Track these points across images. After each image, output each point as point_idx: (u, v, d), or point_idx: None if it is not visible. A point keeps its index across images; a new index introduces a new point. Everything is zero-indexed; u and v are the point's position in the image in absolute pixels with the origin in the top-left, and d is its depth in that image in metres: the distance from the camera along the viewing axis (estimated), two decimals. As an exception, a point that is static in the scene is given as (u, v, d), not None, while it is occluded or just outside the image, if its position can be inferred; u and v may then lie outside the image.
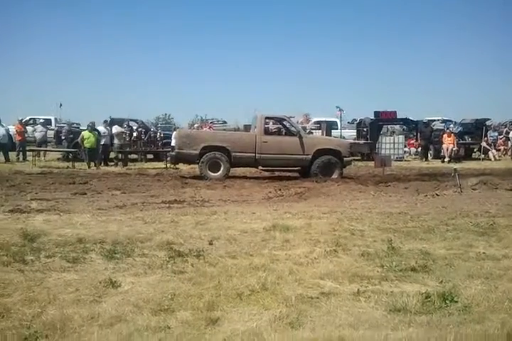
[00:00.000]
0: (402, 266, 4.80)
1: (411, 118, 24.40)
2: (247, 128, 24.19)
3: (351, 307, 3.74)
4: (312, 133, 22.17)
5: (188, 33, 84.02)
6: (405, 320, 3.46)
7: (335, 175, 13.48)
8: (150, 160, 20.87)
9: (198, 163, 13.29)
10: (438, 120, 26.24)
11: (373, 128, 22.63)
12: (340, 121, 24.76)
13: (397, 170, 17.01)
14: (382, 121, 23.18)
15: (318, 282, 4.34)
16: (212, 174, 13.18)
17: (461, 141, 22.26)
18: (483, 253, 5.34)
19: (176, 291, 4.06)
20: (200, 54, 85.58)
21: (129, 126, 21.14)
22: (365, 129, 23.53)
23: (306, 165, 13.38)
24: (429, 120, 26.05)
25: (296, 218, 7.30)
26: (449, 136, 21.11)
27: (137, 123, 22.87)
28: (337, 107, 23.74)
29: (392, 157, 19.57)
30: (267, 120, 14.34)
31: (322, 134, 20.72)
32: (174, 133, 19.82)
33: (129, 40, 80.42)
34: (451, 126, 23.89)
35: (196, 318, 3.51)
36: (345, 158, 13.87)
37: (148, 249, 5.42)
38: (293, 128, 14.25)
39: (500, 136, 24.24)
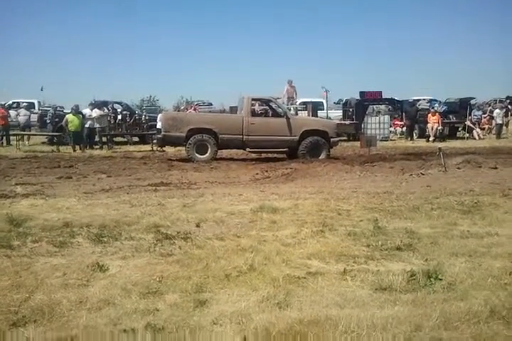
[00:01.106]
0: (388, 245, 4.86)
1: (396, 98, 24.47)
2: (232, 109, 24.06)
3: (338, 286, 3.79)
4: (298, 113, 22.16)
5: (171, 13, 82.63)
6: (391, 298, 3.52)
7: (322, 156, 13.53)
8: (136, 143, 20.74)
9: (184, 146, 13.25)
10: (423, 99, 26.27)
11: (359, 108, 22.67)
12: (326, 101, 24.70)
13: (383, 149, 17.10)
14: (367, 101, 23.22)
15: (305, 262, 4.38)
16: (200, 156, 13.15)
17: (446, 120, 22.35)
18: (467, 231, 5.41)
19: (164, 274, 4.07)
20: (184, 35, 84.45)
21: (113, 108, 20.91)
22: (350, 110, 23.56)
23: (294, 147, 13.38)
24: (414, 100, 26.11)
25: (283, 199, 7.33)
26: (433, 116, 21.19)
27: (121, 105, 22.61)
28: (323, 88, 23.65)
29: (377, 137, 19.63)
30: (254, 101, 14.29)
31: (308, 115, 20.62)
32: (160, 116, 19.72)
33: (111, 21, 79.04)
34: (436, 105, 23.95)
35: (184, 300, 3.53)
36: (332, 139, 13.93)
37: (135, 232, 5.42)
38: (280, 110, 14.25)
39: (485, 115, 24.40)
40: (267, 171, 11.28)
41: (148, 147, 17.81)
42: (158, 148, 16.53)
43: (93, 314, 3.31)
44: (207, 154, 13.14)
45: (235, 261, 4.35)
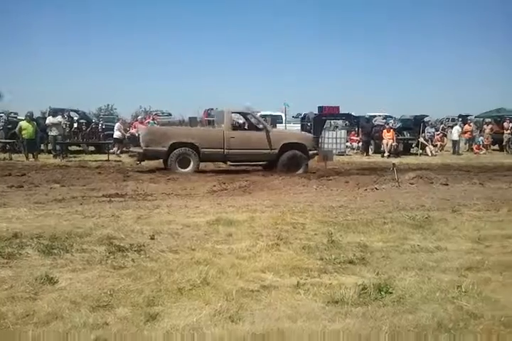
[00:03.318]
0: (341, 258, 4.92)
1: (353, 113, 24.94)
2: (192, 120, 24.04)
3: (291, 299, 3.81)
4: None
5: (128, 21, 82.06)
6: (342, 311, 3.56)
7: (301, 168, 13.75)
8: (92, 152, 20.37)
9: (166, 160, 13.10)
10: (379, 116, 26.90)
11: (317, 122, 22.97)
12: (285, 115, 24.98)
13: (339, 164, 17.39)
14: (325, 115, 23.56)
15: (259, 275, 4.39)
16: (182, 170, 13.10)
17: (400, 137, 22.94)
18: (418, 245, 5.54)
19: (116, 287, 4.00)
20: (143, 44, 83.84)
21: (69, 116, 20.51)
22: (309, 124, 23.87)
23: (274, 160, 13.50)
24: (370, 116, 26.70)
25: (240, 212, 7.33)
26: (388, 132, 21.72)
27: (78, 113, 22.21)
28: (285, 104, 23.97)
29: (334, 151, 19.95)
30: (234, 115, 14.40)
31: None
32: (117, 125, 19.48)
33: (67, 27, 77.85)
34: (391, 121, 24.58)
35: (135, 314, 3.48)
36: (310, 152, 14.14)
37: (87, 244, 5.30)
38: (258, 123, 14.32)
39: (437, 132, 25.18)
40: (224, 183, 11.27)
41: (104, 156, 17.52)
42: (116, 158, 16.28)
43: (40, 328, 3.22)
44: (189, 167, 13.12)
45: (188, 274, 4.31)
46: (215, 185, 10.95)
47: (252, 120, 14.49)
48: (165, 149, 12.71)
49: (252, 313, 3.53)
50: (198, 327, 3.27)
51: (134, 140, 19.47)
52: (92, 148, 20.79)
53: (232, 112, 14.20)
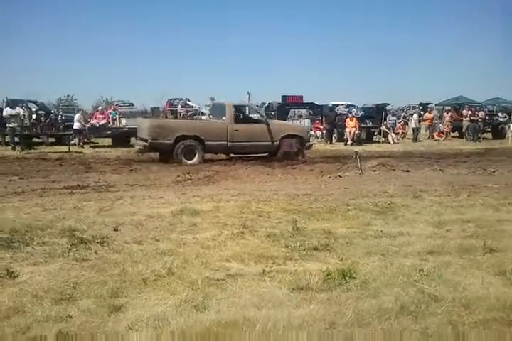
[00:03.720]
0: (306, 245, 4.97)
1: (316, 102, 25.10)
2: (154, 110, 23.77)
3: (256, 287, 3.82)
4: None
5: (89, 8, 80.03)
6: (307, 297, 3.60)
7: (300, 158, 14.12)
8: (52, 144, 19.85)
9: (172, 151, 13.25)
10: (342, 104, 27.13)
11: (281, 112, 23.04)
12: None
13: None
14: (289, 105, 23.66)
15: (224, 264, 4.39)
16: (188, 161, 13.28)
17: (363, 125, 23.21)
18: (381, 231, 5.64)
19: (78, 279, 3.94)
20: (106, 34, 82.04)
21: (27, 107, 19.93)
22: (272, 113, 23.89)
23: (274, 151, 13.95)
24: (333, 104, 26.90)
25: (205, 202, 7.30)
26: (351, 120, 21.92)
27: (37, 105, 21.62)
28: (248, 94, 23.92)
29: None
30: (235, 108, 14.43)
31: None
32: (77, 116, 19.02)
33: (26, 16, 75.29)
34: (354, 110, 24.82)
35: (99, 306, 3.43)
36: (306, 143, 14.80)
37: (48, 236, 5.19)
38: (259, 116, 14.70)
39: (399, 120, 25.59)
40: (188, 173, 11.18)
41: (65, 148, 17.12)
42: (77, 149, 15.98)
43: (1, 323, 3.14)
44: (195, 159, 13.37)
45: (153, 265, 4.28)
46: (179, 176, 10.86)
47: (253, 113, 14.97)
48: (171, 142, 12.94)
49: (218, 302, 3.53)
50: (164, 317, 3.25)
51: (95, 130, 19.19)
52: (52, 140, 20.28)
53: (234, 105, 14.37)
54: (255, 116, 14.58)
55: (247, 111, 14.90)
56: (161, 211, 6.54)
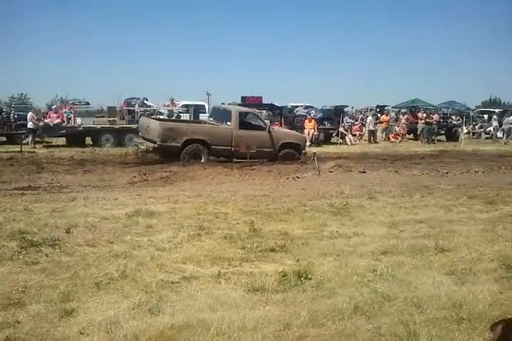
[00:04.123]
0: (263, 246, 4.97)
1: (276, 103, 25.15)
2: (111, 110, 23.32)
3: (211, 289, 3.80)
4: (180, 116, 21.99)
5: (44, 6, 77.82)
6: (263, 299, 3.60)
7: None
8: (3, 143, 19.21)
9: (179, 154, 13.37)
10: (301, 106, 27.31)
11: (240, 112, 22.95)
12: (209, 105, 24.77)
13: (262, 153, 17.49)
14: (248, 106, 23.62)
15: (180, 266, 4.34)
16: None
17: (322, 127, 23.44)
18: (336, 231, 5.70)
19: (28, 283, 3.82)
20: (60, 28, 79.88)
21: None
22: (232, 114, 23.81)
23: (274, 156, 14.36)
24: (292, 106, 27.04)
25: (161, 203, 7.21)
26: (310, 122, 22.11)
27: (-13, 103, 20.90)
28: (205, 92, 23.72)
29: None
30: (241, 114, 14.73)
31: (190, 118, 20.53)
32: (29, 115, 18.47)
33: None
34: (313, 112, 25.03)
35: (49, 311, 3.34)
36: (303, 151, 15.23)
37: (-4, 239, 5.01)
38: (261, 123, 14.96)
39: (356, 122, 25.97)
40: (145, 174, 10.98)
41: (16, 147, 16.58)
42: (29, 148, 15.56)
43: None
44: (201, 161, 13.59)
45: (106, 268, 4.19)
46: (135, 176, 10.66)
47: (256, 120, 15.13)
48: (179, 145, 13.27)
49: (173, 305, 3.49)
50: (116, 321, 3.18)
51: (49, 130, 18.67)
52: (3, 139, 19.62)
53: (240, 112, 14.74)
54: (259, 123, 14.94)
55: (251, 118, 15.25)
56: (115, 212, 6.42)
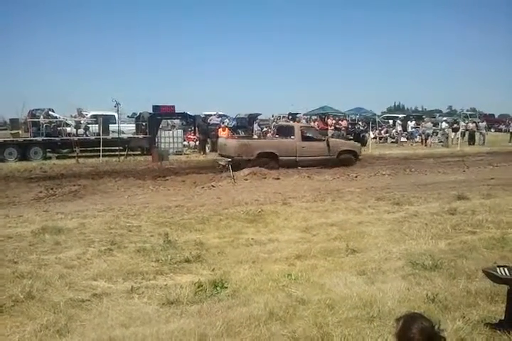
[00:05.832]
0: (177, 258, 4.90)
1: (189, 112, 25.04)
2: (13, 122, 22.04)
3: (124, 305, 3.68)
4: (89, 127, 21.27)
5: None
6: (177, 311, 3.54)
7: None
8: None
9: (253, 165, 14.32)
10: (214, 115, 27.41)
11: (152, 122, 22.63)
12: (118, 115, 24.18)
13: (176, 163, 17.30)
14: (161, 115, 23.32)
15: (90, 284, 4.18)
16: None
17: (236, 135, 23.62)
18: (252, 239, 5.75)
19: None
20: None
21: None
22: (144, 123, 23.41)
23: (332, 162, 15.94)
24: (206, 114, 27.05)
25: (69, 218, 6.91)
26: (224, 130, 22.18)
27: None
28: (113, 101, 23.04)
29: (171, 151, 19.84)
30: (302, 129, 16.38)
31: (99, 128, 19.92)
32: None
33: None
34: (227, 120, 25.22)
35: None
36: (359, 157, 17.19)
37: None
38: (319, 135, 16.83)
39: (270, 130, 26.43)
40: (52, 189, 10.48)
41: None
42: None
43: None
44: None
45: (10, 290, 3.95)
46: (41, 191, 10.15)
47: (316, 134, 16.87)
48: (253, 158, 14.65)
49: (83, 324, 3.34)
50: (21, 346, 2.99)
51: None
52: None
53: (301, 127, 16.64)
54: (317, 135, 16.62)
55: (310, 132, 16.74)
56: (20, 231, 6.07)
